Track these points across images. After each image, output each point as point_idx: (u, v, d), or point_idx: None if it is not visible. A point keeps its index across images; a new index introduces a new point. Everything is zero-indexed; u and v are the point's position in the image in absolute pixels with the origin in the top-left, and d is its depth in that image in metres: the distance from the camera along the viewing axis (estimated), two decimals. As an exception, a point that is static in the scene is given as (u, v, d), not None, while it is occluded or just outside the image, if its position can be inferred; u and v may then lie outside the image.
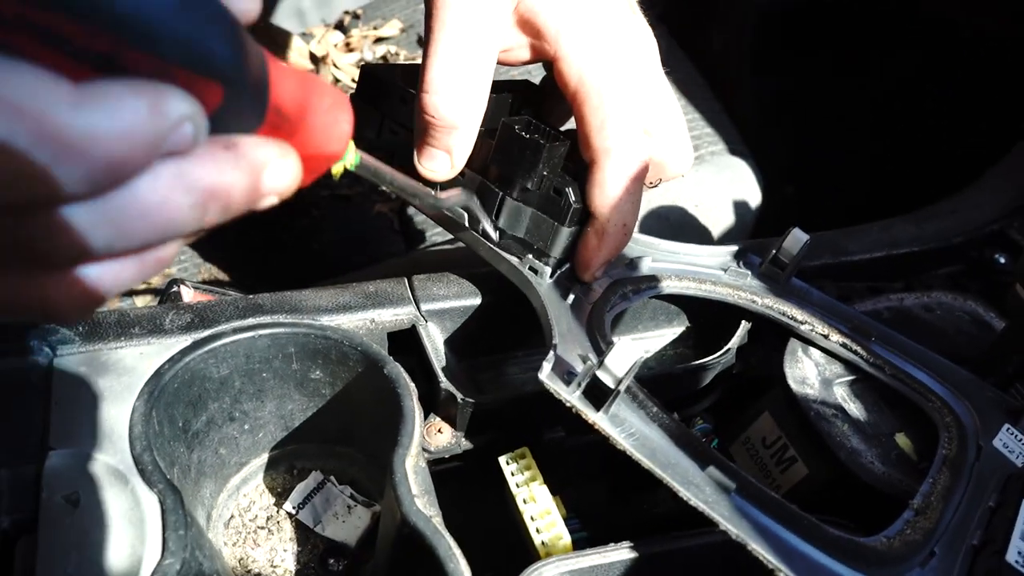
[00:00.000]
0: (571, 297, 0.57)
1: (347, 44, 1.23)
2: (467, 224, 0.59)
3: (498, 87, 0.60)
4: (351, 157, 0.37)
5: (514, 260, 0.58)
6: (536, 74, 0.74)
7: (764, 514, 0.46)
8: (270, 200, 0.32)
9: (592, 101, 0.55)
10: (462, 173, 0.58)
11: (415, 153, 0.57)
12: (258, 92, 0.29)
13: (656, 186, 0.63)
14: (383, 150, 0.58)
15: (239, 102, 0.28)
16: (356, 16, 1.29)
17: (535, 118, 0.56)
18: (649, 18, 0.60)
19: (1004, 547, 0.47)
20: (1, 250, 0.26)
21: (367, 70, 0.61)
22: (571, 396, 0.48)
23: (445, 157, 0.56)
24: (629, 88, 0.55)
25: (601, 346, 0.52)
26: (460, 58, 0.53)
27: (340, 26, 1.28)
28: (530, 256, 0.58)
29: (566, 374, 0.49)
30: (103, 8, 0.23)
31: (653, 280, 0.62)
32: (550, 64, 0.58)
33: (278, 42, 1.15)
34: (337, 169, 0.37)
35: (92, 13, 0.23)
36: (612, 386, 0.46)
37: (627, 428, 0.48)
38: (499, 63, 0.57)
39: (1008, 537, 0.47)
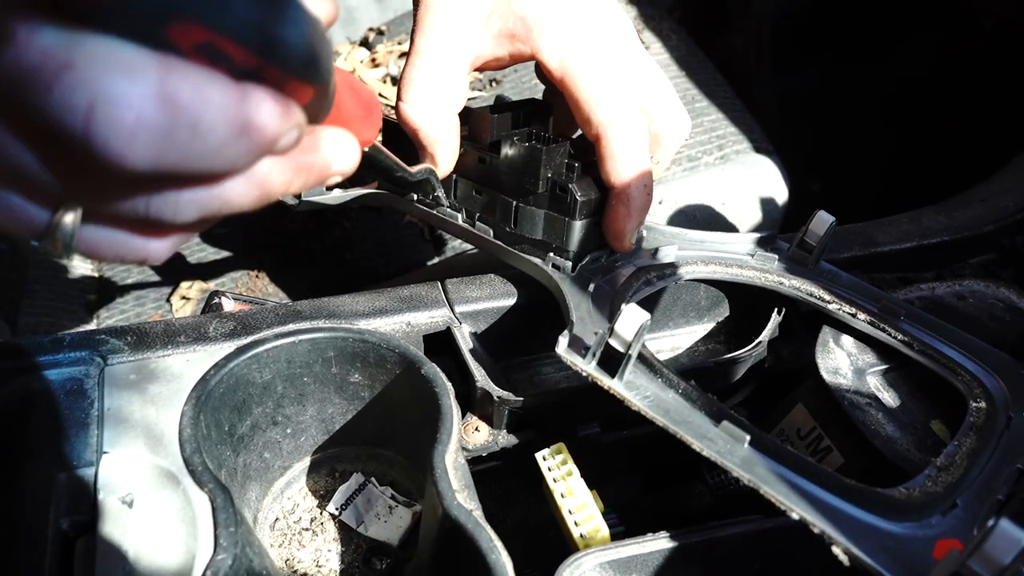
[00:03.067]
0: (592, 286, 0.60)
1: (372, 60, 1.25)
2: (424, 195, 0.66)
3: (504, 108, 0.65)
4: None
5: (536, 260, 0.62)
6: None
7: (779, 464, 0.47)
8: (336, 178, 0.39)
9: (580, 80, 0.57)
10: (479, 191, 0.64)
11: None
12: (332, 91, 0.35)
13: (660, 163, 0.64)
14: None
15: (321, 100, 0.34)
16: (380, 32, 1.31)
17: (544, 130, 0.61)
18: (668, 22, 0.62)
19: None
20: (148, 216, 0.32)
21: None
22: (587, 366, 0.51)
23: (429, 158, 0.62)
24: (612, 64, 0.57)
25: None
26: (428, 72, 0.58)
27: (365, 43, 1.30)
28: (551, 255, 0.61)
29: (583, 349, 0.52)
30: (265, 42, 0.29)
31: (678, 266, 0.63)
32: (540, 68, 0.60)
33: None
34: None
35: (258, 45, 0.29)
36: (623, 350, 0.48)
37: (642, 392, 0.50)
38: (481, 70, 0.62)
39: None
